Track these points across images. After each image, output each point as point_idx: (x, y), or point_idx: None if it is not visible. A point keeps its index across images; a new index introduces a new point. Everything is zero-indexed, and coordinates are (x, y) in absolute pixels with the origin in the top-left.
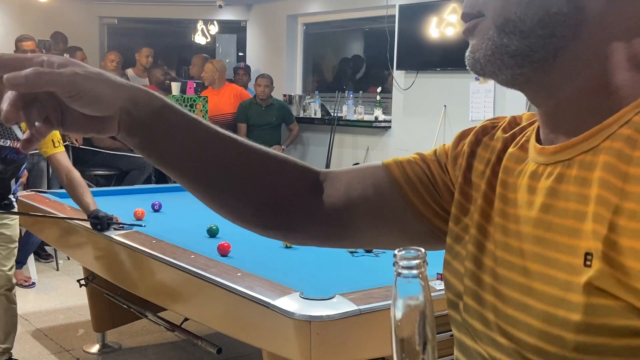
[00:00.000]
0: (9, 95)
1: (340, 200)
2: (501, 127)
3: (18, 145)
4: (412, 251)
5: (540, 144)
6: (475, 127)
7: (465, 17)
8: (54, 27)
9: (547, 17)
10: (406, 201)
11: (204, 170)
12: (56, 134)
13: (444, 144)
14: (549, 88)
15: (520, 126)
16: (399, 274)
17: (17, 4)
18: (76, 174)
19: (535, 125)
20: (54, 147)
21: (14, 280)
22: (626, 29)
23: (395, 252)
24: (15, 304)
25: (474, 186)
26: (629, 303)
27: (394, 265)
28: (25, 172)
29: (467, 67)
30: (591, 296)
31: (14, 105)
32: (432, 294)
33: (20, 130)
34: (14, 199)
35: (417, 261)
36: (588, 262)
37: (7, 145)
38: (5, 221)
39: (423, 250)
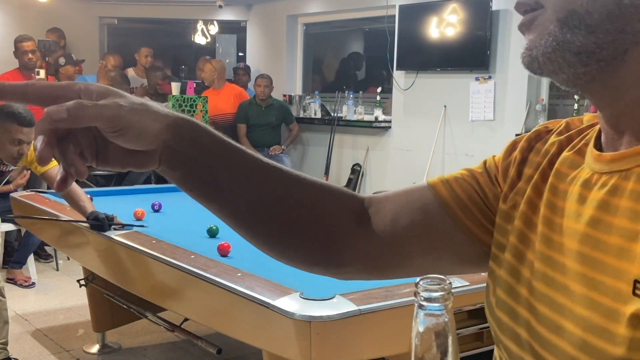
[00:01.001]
0: (42, 131)
1: (388, 229)
2: (556, 131)
3: (6, 169)
4: (436, 281)
5: (600, 150)
6: (528, 133)
7: (519, 7)
8: (53, 27)
9: (618, 10)
10: (457, 223)
11: (247, 204)
12: None
13: (494, 156)
14: (616, 90)
15: (579, 128)
16: (420, 306)
17: (16, 4)
18: (71, 186)
19: (596, 128)
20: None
21: (4, 280)
22: None
23: (418, 280)
24: (4, 297)
25: (520, 191)
26: None
27: (415, 295)
28: (25, 172)
29: (523, 66)
30: (637, 330)
31: (48, 144)
32: None
33: None
34: None
35: (441, 293)
36: (638, 291)
37: None
38: None
39: (448, 280)
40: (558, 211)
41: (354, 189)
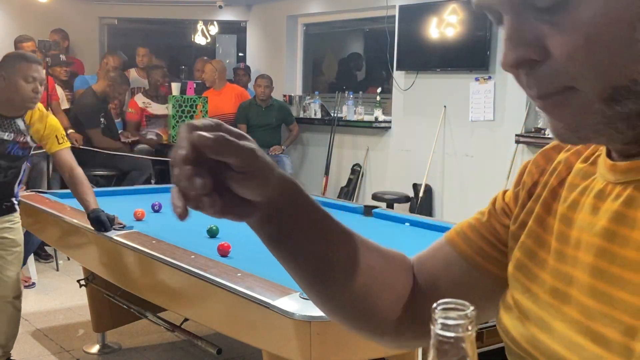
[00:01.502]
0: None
1: (429, 293)
2: (564, 148)
3: (22, 139)
4: (455, 307)
5: (612, 159)
6: (535, 156)
7: (542, 96)
8: (54, 28)
9: None
10: (482, 272)
11: (327, 270)
12: (60, 129)
13: (504, 191)
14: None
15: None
16: (437, 336)
17: (17, 4)
18: (79, 171)
19: None
20: (58, 143)
21: (22, 286)
22: None
23: (434, 306)
24: (19, 310)
25: (529, 210)
26: None
27: (431, 324)
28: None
29: (565, 143)
30: None
31: (189, 162)
32: None
33: (23, 122)
34: (16, 202)
35: (461, 321)
36: None
37: (11, 139)
38: (7, 225)
39: (471, 306)
40: (570, 223)
41: (354, 189)
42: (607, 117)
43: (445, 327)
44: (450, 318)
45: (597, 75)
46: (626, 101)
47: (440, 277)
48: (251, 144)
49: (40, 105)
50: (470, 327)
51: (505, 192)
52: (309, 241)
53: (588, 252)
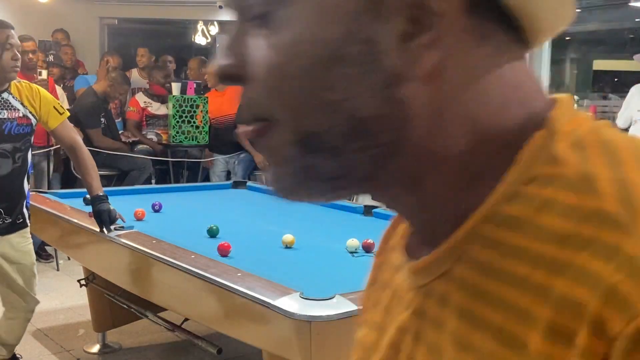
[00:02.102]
0: None
1: None
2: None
3: (19, 115)
4: None
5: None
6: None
7: (246, 117)
8: (54, 28)
9: (360, 125)
10: None
11: None
12: (55, 100)
13: None
14: (390, 201)
15: None
16: None
17: (17, 4)
18: (82, 147)
19: None
20: (60, 114)
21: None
22: (465, 118)
23: None
24: (29, 319)
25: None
26: None
27: None
28: None
29: (274, 193)
30: None
31: None
32: None
33: (15, 99)
34: (27, 214)
35: None
36: None
37: (5, 116)
38: (13, 250)
39: None
40: (384, 331)
41: None
42: (303, 168)
43: None
44: None
45: (291, 112)
46: (321, 154)
47: None
48: None
49: (26, 82)
50: None
51: None
52: None
53: None
